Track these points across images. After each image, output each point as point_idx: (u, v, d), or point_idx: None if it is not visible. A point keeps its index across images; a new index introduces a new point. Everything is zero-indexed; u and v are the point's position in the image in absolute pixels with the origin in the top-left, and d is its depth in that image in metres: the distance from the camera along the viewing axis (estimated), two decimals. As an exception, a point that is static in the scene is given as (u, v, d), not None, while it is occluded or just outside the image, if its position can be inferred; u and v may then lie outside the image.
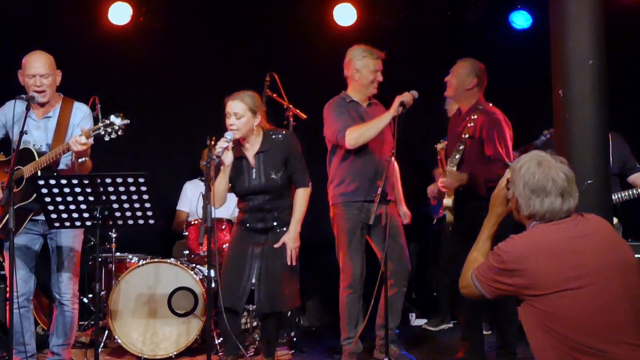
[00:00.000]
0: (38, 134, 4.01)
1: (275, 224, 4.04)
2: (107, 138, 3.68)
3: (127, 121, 3.64)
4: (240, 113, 3.93)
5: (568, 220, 2.37)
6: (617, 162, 4.48)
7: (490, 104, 4.42)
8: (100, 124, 3.66)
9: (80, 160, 3.79)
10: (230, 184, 4.05)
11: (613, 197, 4.27)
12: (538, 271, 2.26)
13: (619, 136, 4.60)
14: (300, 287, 4.18)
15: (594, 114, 3.11)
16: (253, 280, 3.98)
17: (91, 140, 3.76)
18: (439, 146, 4.26)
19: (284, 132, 4.16)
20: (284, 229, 4.04)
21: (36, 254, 4.06)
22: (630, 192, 4.45)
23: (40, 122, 4.03)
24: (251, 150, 4.05)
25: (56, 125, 3.99)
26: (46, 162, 3.83)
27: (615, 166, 4.43)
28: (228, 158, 3.91)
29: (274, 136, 4.06)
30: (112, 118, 3.63)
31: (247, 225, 4.06)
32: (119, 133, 3.64)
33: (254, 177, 4.01)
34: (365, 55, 4.46)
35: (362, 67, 4.47)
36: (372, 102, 4.58)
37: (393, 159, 4.22)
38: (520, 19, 6.29)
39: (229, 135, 3.90)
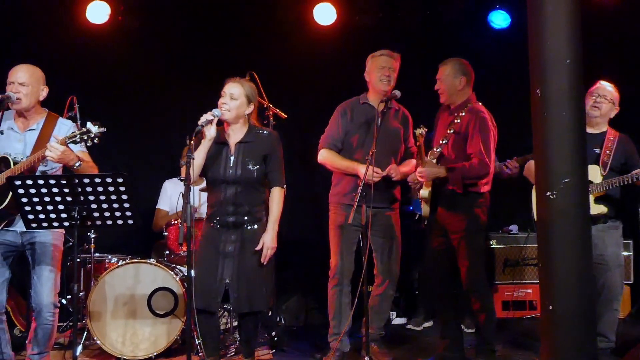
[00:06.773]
0: (19, 146, 3.95)
1: (246, 218, 3.97)
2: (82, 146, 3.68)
3: (103, 129, 3.64)
4: (236, 95, 3.98)
5: None
6: (618, 160, 4.50)
7: (480, 103, 4.44)
8: (77, 132, 3.66)
9: (75, 166, 3.76)
10: (204, 174, 4.01)
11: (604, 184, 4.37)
12: None
13: (624, 137, 4.58)
14: (281, 287, 4.16)
15: (571, 112, 3.14)
16: (227, 280, 3.94)
17: (79, 147, 3.73)
18: (418, 131, 4.27)
19: (270, 130, 4.21)
20: (255, 226, 3.98)
21: (10, 264, 3.96)
22: (623, 178, 4.36)
23: (22, 135, 3.97)
24: (233, 138, 4.03)
25: (37, 138, 3.94)
26: (21, 169, 3.78)
27: (617, 163, 4.48)
28: (210, 132, 3.91)
29: (259, 131, 4.08)
30: (89, 125, 3.63)
31: (217, 219, 3.98)
32: (95, 141, 3.64)
33: (230, 164, 3.98)
34: (374, 56, 4.57)
35: (370, 68, 4.57)
36: (391, 108, 4.54)
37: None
38: (499, 19, 6.34)
39: (216, 111, 3.93)
